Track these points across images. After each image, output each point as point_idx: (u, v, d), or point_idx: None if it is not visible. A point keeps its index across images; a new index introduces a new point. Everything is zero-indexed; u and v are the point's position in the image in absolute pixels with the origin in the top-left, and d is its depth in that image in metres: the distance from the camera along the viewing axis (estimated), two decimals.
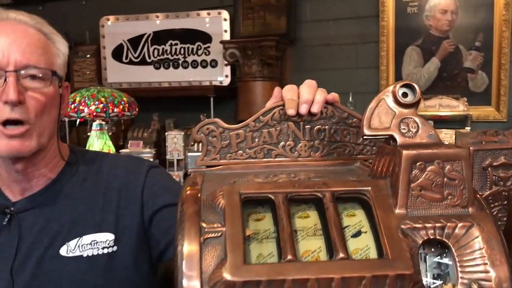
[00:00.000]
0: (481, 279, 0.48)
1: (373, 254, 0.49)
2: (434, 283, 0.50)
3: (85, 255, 1.08)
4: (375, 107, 0.55)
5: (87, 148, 2.44)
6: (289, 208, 0.52)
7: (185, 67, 3.66)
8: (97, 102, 2.29)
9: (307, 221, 0.52)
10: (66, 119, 2.41)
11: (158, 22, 3.73)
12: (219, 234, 0.49)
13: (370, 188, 0.53)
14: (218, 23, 3.60)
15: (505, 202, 0.58)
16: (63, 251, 1.08)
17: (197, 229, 0.49)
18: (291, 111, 0.68)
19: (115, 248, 1.10)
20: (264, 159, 0.67)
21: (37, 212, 1.10)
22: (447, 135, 2.97)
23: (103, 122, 2.41)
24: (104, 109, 2.29)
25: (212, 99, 3.47)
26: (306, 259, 0.49)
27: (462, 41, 3.11)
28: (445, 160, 0.51)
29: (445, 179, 0.51)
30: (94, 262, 1.08)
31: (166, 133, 2.79)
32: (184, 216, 0.50)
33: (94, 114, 2.27)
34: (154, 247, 1.14)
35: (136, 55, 3.75)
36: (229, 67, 3.56)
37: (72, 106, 2.29)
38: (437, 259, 0.50)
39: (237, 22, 3.59)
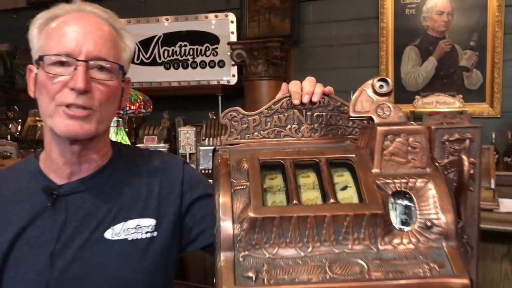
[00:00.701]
0: (433, 219, 0.67)
1: (355, 201, 0.69)
2: (402, 224, 0.69)
3: (129, 238, 1.11)
4: (359, 96, 0.74)
5: None
6: (295, 170, 0.71)
7: (194, 67, 3.85)
8: None
9: (308, 179, 0.72)
10: None
11: (168, 24, 3.90)
12: (245, 187, 0.68)
13: (354, 155, 0.72)
14: (225, 25, 3.78)
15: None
16: (107, 234, 1.10)
17: (228, 184, 0.68)
18: (296, 101, 0.87)
19: (155, 233, 1.14)
20: (275, 139, 0.86)
21: (84, 196, 1.11)
22: None
23: (120, 119, 2.61)
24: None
25: (220, 97, 3.66)
26: (306, 204, 0.68)
27: (457, 41, 3.28)
28: (409, 134, 0.70)
29: (409, 147, 0.70)
30: (137, 245, 1.11)
31: (179, 129, 2.98)
32: (219, 175, 0.70)
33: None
34: (186, 235, 1.19)
35: (147, 56, 3.94)
36: (236, 67, 3.73)
37: None
38: (404, 202, 0.69)
39: (243, 24, 3.77)
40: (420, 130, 0.70)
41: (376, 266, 0.64)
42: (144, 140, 2.69)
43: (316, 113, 0.87)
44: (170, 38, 3.89)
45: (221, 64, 3.78)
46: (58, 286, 1.05)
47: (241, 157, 0.73)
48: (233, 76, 3.76)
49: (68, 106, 1.00)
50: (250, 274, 0.62)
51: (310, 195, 0.70)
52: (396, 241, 0.66)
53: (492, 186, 1.78)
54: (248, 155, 0.72)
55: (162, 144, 2.52)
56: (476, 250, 0.79)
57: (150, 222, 1.13)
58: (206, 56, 3.82)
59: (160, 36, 3.90)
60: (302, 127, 0.86)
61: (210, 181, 0.89)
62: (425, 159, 0.70)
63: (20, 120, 4.32)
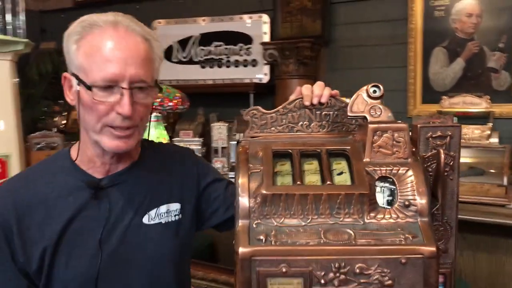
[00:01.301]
0: (410, 200, 0.84)
1: (348, 183, 0.86)
2: (387, 204, 0.86)
3: (163, 221, 1.23)
4: (355, 99, 0.91)
5: (145, 136, 2.86)
6: (300, 158, 0.89)
7: (228, 66, 4.04)
8: None
9: (311, 166, 0.89)
10: None
11: (205, 25, 4.10)
12: (259, 171, 0.86)
13: (349, 147, 0.89)
14: (258, 26, 3.95)
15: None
16: (145, 219, 1.22)
17: (246, 168, 0.87)
18: (307, 103, 1.04)
19: (180, 216, 1.27)
20: (289, 133, 1.03)
21: (122, 188, 1.20)
22: (469, 130, 3.22)
23: (159, 114, 2.83)
24: (161, 103, 2.70)
25: (252, 95, 3.84)
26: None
27: (486, 43, 3.35)
28: (394, 131, 0.87)
29: (394, 142, 0.87)
30: (169, 227, 1.24)
31: (211, 125, 3.19)
32: (239, 161, 0.88)
33: (153, 107, 2.68)
34: (202, 215, 1.33)
35: (184, 55, 4.16)
36: (268, 66, 3.88)
37: None
38: (388, 186, 0.85)
39: (276, 25, 3.92)
40: (403, 128, 0.87)
41: (361, 234, 0.81)
42: (181, 134, 2.91)
43: (324, 112, 1.04)
44: (206, 38, 4.09)
45: (254, 63, 3.97)
46: (108, 268, 1.15)
47: (258, 147, 0.92)
48: (265, 74, 3.93)
49: (114, 127, 1.08)
50: (261, 237, 0.80)
51: (312, 178, 0.87)
52: (379, 216, 0.83)
53: (505, 183, 1.90)
54: (263, 146, 0.90)
55: (196, 138, 2.73)
56: (455, 229, 0.95)
57: (176, 206, 1.26)
58: (240, 56, 4.00)
59: (196, 36, 4.11)
60: (312, 124, 1.04)
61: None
62: (407, 151, 0.87)
63: (65, 113, 4.62)
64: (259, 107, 1.03)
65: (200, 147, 2.70)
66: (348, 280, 0.79)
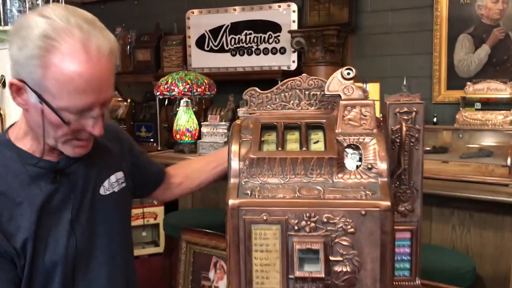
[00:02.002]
0: (373, 164, 1.01)
1: (321, 149, 1.04)
2: (355, 167, 1.04)
3: (116, 190, 1.33)
4: (332, 80, 1.09)
5: (175, 121, 3.11)
6: (284, 130, 1.07)
7: (258, 54, 4.23)
8: (184, 83, 2.93)
9: (293, 136, 1.08)
10: (160, 97, 3.08)
11: (235, 14, 4.30)
12: (249, 139, 1.06)
13: (325, 120, 1.07)
14: (287, 15, 4.12)
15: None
16: (101, 191, 1.29)
17: (238, 137, 1.06)
18: None
19: (125, 184, 1.38)
20: (281, 110, 1.22)
21: (77, 166, 1.25)
22: (492, 116, 3.29)
23: (189, 100, 3.06)
24: (190, 89, 2.92)
25: (280, 82, 4.02)
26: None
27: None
28: (361, 106, 1.04)
29: (362, 115, 1.04)
30: (121, 194, 1.35)
31: (238, 109, 3.40)
32: (233, 131, 1.08)
33: (182, 93, 2.92)
34: (136, 183, 1.47)
35: (216, 44, 4.38)
36: (296, 53, 4.05)
37: (166, 86, 2.95)
38: (355, 152, 1.03)
39: (304, 13, 4.08)
40: (369, 104, 1.04)
41: (329, 191, 0.99)
42: (209, 118, 3.14)
43: (312, 92, 1.22)
44: (236, 27, 4.29)
45: (282, 50, 4.14)
46: (83, 246, 1.23)
47: (250, 121, 1.11)
48: (293, 62, 4.11)
49: (78, 141, 1.16)
50: (248, 192, 1.00)
51: (293, 146, 1.06)
52: (346, 176, 1.01)
53: (508, 164, 2.02)
54: (253, 119, 1.09)
55: (223, 123, 2.95)
56: (420, 192, 1.11)
57: (121, 175, 1.36)
58: (269, 44, 4.19)
59: (227, 25, 4.32)
60: (302, 102, 1.22)
61: None
62: (372, 124, 1.04)
63: None
64: (256, 88, 1.22)
65: (226, 131, 2.91)
66: (317, 227, 0.97)
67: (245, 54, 4.28)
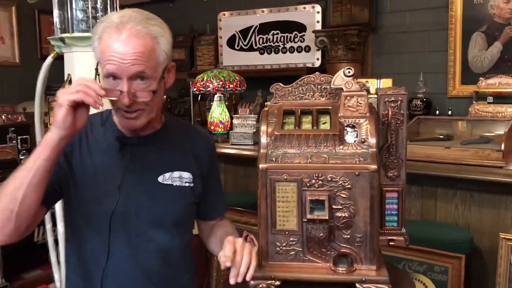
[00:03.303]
0: (365, 138, 1.40)
1: (327, 128, 1.43)
2: (353, 141, 1.43)
3: (174, 184, 1.49)
4: (336, 77, 1.48)
5: (210, 114, 3.53)
6: (300, 114, 1.47)
7: (284, 52, 4.62)
8: (218, 80, 3.34)
9: (307, 119, 1.48)
10: (197, 93, 3.49)
11: (263, 15, 4.68)
12: (274, 121, 1.46)
13: (331, 107, 1.47)
14: (312, 15, 4.47)
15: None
16: (160, 179, 1.47)
17: (266, 119, 1.47)
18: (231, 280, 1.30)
19: (192, 184, 1.53)
20: (299, 101, 1.61)
21: (144, 149, 1.48)
22: (503, 108, 3.58)
23: (222, 95, 3.48)
24: (223, 85, 3.32)
25: None
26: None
27: None
28: (358, 96, 1.43)
29: (358, 103, 1.43)
30: (179, 190, 1.50)
31: (265, 103, 3.79)
32: (262, 116, 1.48)
33: (216, 88, 3.33)
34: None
35: (245, 43, 4.78)
36: (319, 51, 4.42)
37: (201, 83, 3.37)
38: (353, 131, 1.42)
39: (327, 14, 4.45)
40: (364, 95, 1.43)
41: (333, 158, 1.39)
42: (239, 111, 3.55)
43: (323, 86, 1.61)
44: (264, 27, 4.68)
45: (307, 49, 4.52)
46: (121, 211, 1.42)
47: (275, 108, 1.51)
48: (317, 59, 4.48)
49: (122, 111, 1.37)
50: (273, 159, 1.40)
51: (306, 126, 1.46)
52: (345, 148, 1.40)
53: (502, 148, 2.36)
54: (277, 106, 1.50)
55: (252, 115, 3.35)
56: (404, 162, 1.49)
57: (188, 175, 1.52)
58: (295, 43, 4.57)
59: (256, 26, 4.72)
60: (315, 94, 1.61)
61: None
62: (366, 109, 1.43)
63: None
64: (280, 83, 1.62)
65: (254, 122, 3.30)
66: (324, 184, 1.37)
67: (273, 53, 4.67)
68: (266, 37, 4.69)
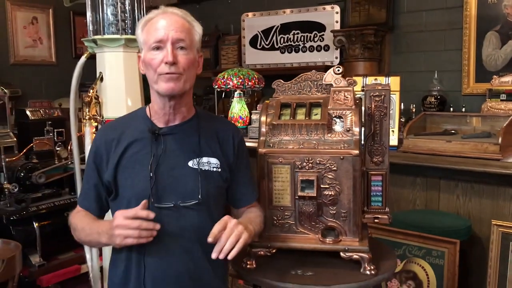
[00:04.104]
0: (349, 127, 1.63)
1: (318, 119, 1.68)
2: (340, 130, 1.66)
3: (203, 168, 1.57)
4: (327, 74, 1.72)
5: (230, 109, 3.79)
6: (295, 107, 1.72)
7: (304, 51, 4.86)
8: (237, 78, 3.60)
9: (301, 111, 1.73)
10: (218, 90, 3.76)
11: (285, 16, 4.92)
12: (272, 112, 1.71)
13: (322, 100, 1.71)
14: (331, 16, 4.69)
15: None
16: (190, 163, 1.56)
17: (266, 111, 1.72)
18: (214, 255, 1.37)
19: (219, 169, 1.60)
20: (298, 95, 1.85)
21: (175, 137, 1.58)
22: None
23: (241, 92, 3.73)
24: (242, 83, 3.58)
25: None
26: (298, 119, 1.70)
27: None
28: (345, 91, 1.67)
29: (344, 96, 1.67)
30: (207, 174, 1.56)
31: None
32: (263, 108, 1.74)
33: (236, 86, 3.59)
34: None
35: (267, 43, 5.04)
36: (338, 50, 4.64)
37: (222, 80, 3.64)
38: (340, 121, 1.66)
39: (346, 14, 4.66)
40: (350, 90, 1.67)
41: (322, 144, 1.63)
42: (258, 107, 3.80)
43: (319, 83, 1.85)
44: (286, 27, 4.93)
45: (326, 48, 4.74)
46: (158, 191, 1.51)
47: (274, 102, 1.76)
48: (336, 58, 4.69)
49: (165, 74, 1.48)
50: (270, 145, 1.65)
51: (301, 117, 1.71)
52: (333, 135, 1.64)
53: (499, 142, 2.54)
54: (275, 100, 1.75)
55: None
56: (387, 149, 1.72)
57: (215, 161, 1.60)
58: (314, 42, 4.80)
59: (278, 26, 4.97)
60: (312, 90, 1.85)
61: None
62: (352, 102, 1.66)
63: None
64: (281, 80, 1.87)
65: None
66: (313, 166, 1.61)
67: (293, 52, 4.92)
68: (287, 37, 4.93)
